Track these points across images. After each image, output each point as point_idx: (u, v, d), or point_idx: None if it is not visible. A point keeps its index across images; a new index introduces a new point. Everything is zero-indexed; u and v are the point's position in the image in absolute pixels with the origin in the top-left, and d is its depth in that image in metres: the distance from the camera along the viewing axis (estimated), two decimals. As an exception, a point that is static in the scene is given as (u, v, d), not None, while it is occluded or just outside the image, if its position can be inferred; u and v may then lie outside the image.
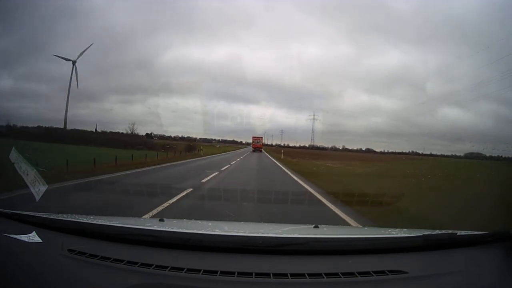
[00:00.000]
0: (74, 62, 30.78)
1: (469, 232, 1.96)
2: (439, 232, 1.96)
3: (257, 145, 57.02)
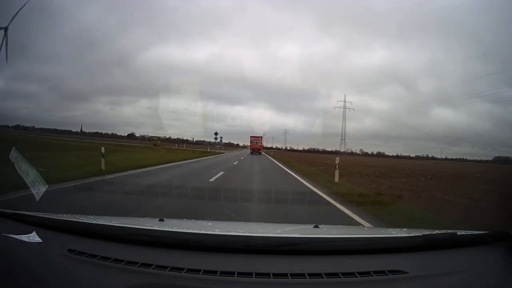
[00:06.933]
0: (6, 29, 27.51)
1: (469, 232, 1.97)
2: (439, 232, 1.96)
3: (256, 146, 50.59)
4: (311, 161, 30.30)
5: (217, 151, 48.34)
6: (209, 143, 54.53)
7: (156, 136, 69.13)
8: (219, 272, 1.43)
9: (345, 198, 7.19)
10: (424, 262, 1.64)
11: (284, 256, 1.64)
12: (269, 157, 39.65)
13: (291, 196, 7.51)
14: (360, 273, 1.48)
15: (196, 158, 26.35)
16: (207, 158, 28.40)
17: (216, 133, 50.44)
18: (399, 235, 2.12)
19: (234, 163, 21.84)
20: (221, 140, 56.43)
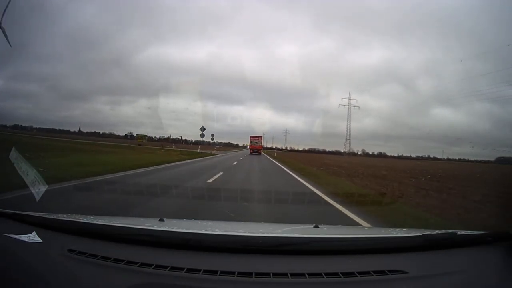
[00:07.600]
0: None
1: (469, 232, 1.97)
2: (439, 232, 1.96)
3: (256, 146, 49.74)
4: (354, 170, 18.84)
5: (210, 151, 40.21)
6: (208, 143, 48.05)
7: (141, 135, 65.53)
8: (219, 272, 1.43)
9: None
10: (424, 262, 1.64)
11: (284, 256, 1.64)
12: (277, 162, 26.44)
13: None
14: (360, 273, 1.48)
15: (162, 164, 16.65)
16: (183, 163, 19.12)
17: (202, 129, 37.25)
18: (399, 235, 2.12)
19: (210, 180, 10.20)
20: (212, 138, 44.54)
